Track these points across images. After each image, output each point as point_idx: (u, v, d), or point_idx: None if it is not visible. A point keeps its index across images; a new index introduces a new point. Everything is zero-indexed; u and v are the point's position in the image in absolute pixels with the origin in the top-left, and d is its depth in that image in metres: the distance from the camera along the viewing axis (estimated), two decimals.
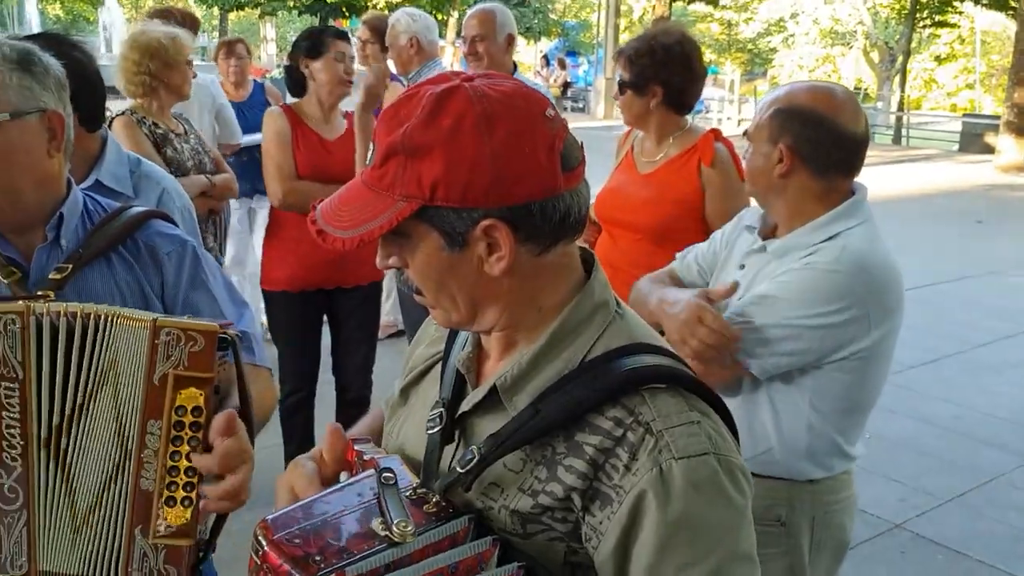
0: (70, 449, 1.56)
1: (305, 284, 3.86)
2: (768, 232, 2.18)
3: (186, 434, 1.51)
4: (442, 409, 1.22)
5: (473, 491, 1.14)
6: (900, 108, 25.51)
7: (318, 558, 1.00)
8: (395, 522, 1.03)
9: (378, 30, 5.35)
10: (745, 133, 2.16)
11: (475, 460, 1.12)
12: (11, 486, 1.56)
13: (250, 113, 5.57)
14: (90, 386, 1.55)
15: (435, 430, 1.22)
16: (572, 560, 1.11)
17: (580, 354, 1.15)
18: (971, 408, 5.37)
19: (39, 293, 1.66)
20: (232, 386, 1.62)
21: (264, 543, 1.03)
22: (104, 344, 1.55)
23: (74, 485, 1.57)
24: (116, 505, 1.56)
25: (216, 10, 35.86)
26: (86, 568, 1.59)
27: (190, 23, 4.98)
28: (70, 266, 1.74)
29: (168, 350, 1.50)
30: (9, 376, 1.54)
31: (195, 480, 1.51)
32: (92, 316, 1.55)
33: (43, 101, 1.70)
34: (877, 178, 14.93)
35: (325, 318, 4.07)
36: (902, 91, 26.06)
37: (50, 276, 1.72)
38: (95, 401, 1.56)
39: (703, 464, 1.07)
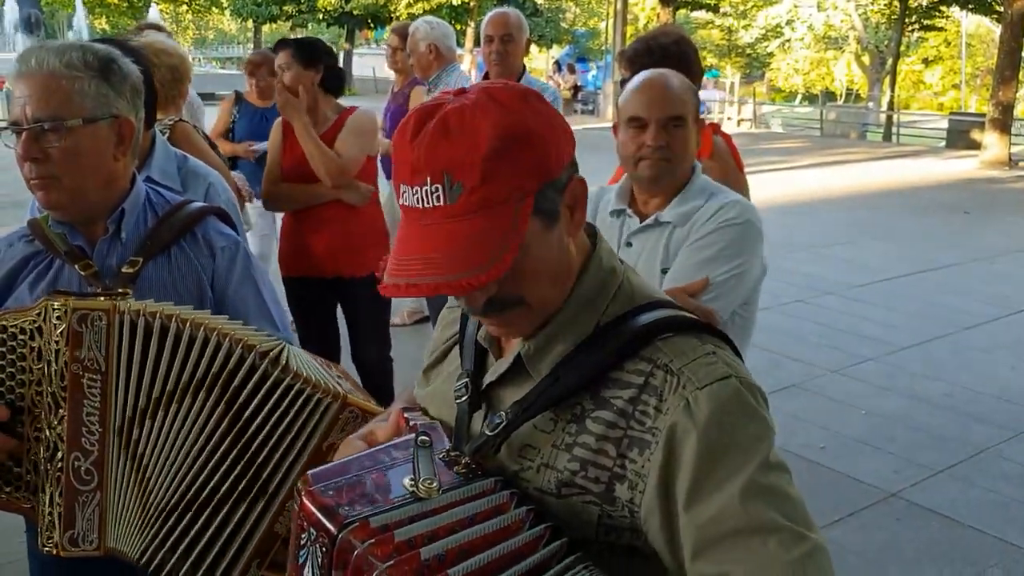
0: (141, 441, 1.59)
1: (302, 271, 3.90)
2: (639, 210, 2.31)
3: None
4: (467, 379, 1.21)
5: (506, 455, 1.13)
6: (890, 107, 25.31)
7: (346, 507, 1.01)
8: (422, 479, 1.04)
9: (406, 38, 5.36)
10: (676, 119, 2.21)
11: (503, 424, 1.11)
12: (87, 468, 1.59)
13: (272, 118, 5.54)
14: (168, 388, 1.57)
15: (463, 399, 1.21)
16: (606, 523, 1.08)
17: (595, 320, 1.13)
18: (961, 386, 5.32)
19: (120, 290, 1.68)
20: None
21: (302, 493, 1.04)
22: (198, 355, 1.56)
23: (146, 475, 1.59)
24: (238, 531, 1.58)
25: (250, 23, 35.92)
26: (148, 555, 1.61)
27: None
28: (140, 259, 1.75)
29: (345, 424, 1.56)
30: (93, 368, 1.57)
31: None
32: (187, 326, 1.57)
33: (116, 108, 1.71)
34: (868, 173, 14.86)
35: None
36: (892, 91, 25.85)
37: (123, 270, 1.74)
38: (178, 404, 1.57)
39: (725, 386, 1.06)
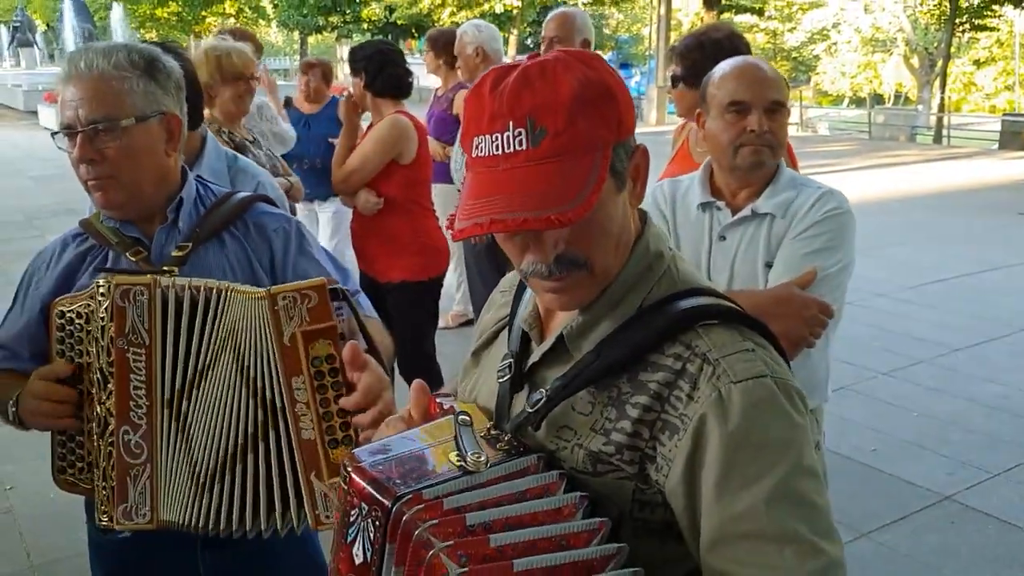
0: (190, 411, 1.62)
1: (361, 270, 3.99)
2: (729, 202, 2.24)
3: (328, 381, 1.58)
4: (511, 360, 1.22)
5: (546, 433, 1.13)
6: (941, 109, 24.84)
7: (398, 481, 1.01)
8: (470, 453, 1.05)
9: (438, 43, 5.41)
10: (779, 103, 2.17)
11: (543, 400, 1.12)
12: (137, 442, 1.62)
13: (315, 124, 5.70)
14: (209, 354, 1.61)
15: (505, 379, 1.21)
16: (639, 498, 1.08)
17: (638, 302, 1.13)
18: (1017, 388, 5.19)
19: (164, 268, 1.71)
20: (356, 335, 1.68)
21: (350, 469, 1.05)
22: (221, 315, 1.61)
23: (192, 444, 1.63)
24: (270, 459, 1.61)
25: (296, 34, 36.40)
26: (212, 521, 1.64)
27: (252, 42, 4.92)
28: (189, 244, 1.79)
29: (289, 312, 1.56)
30: (137, 343, 1.61)
31: (349, 419, 1.57)
32: (213, 290, 1.61)
33: (164, 104, 1.75)
34: (919, 175, 14.58)
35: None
36: (943, 93, 25.36)
37: (172, 254, 1.77)
38: (214, 368, 1.61)
39: (760, 385, 1.04)
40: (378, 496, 1.00)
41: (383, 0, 32.02)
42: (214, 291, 1.61)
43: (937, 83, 27.61)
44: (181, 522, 1.65)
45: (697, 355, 1.06)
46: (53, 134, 1.76)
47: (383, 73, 3.87)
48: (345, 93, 3.94)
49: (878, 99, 40.92)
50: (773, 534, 0.98)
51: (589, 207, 0.99)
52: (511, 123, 1.01)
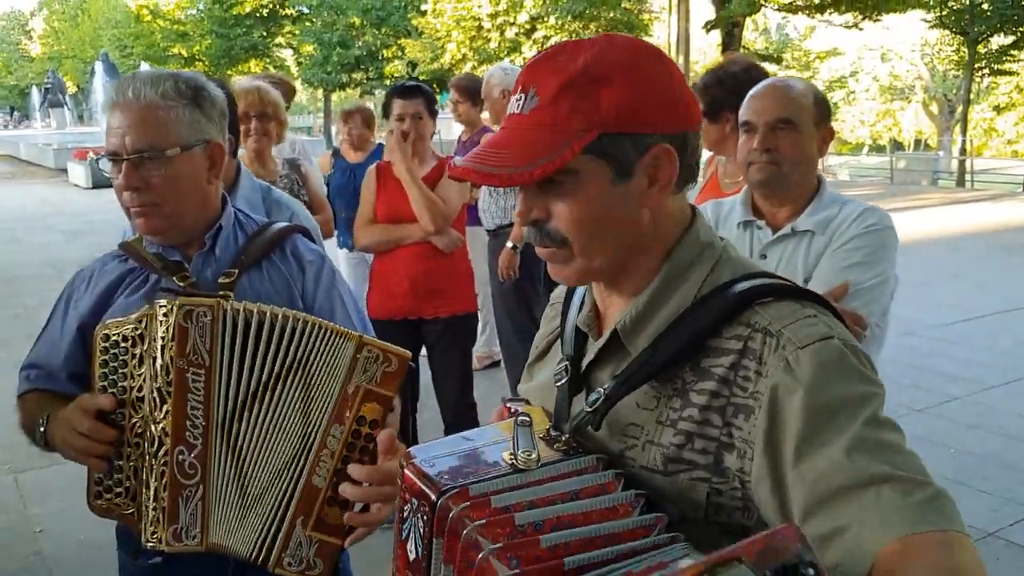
0: (242, 434, 1.60)
1: (387, 312, 3.92)
2: (769, 221, 2.25)
3: (359, 443, 1.57)
4: (567, 363, 1.20)
5: (610, 434, 1.11)
6: (963, 153, 24.78)
7: (447, 477, 1.01)
8: (521, 451, 1.03)
9: (468, 90, 5.47)
10: (784, 121, 2.16)
11: (601, 399, 1.09)
12: (191, 463, 1.60)
13: (360, 173, 5.66)
14: (264, 379, 1.59)
15: (562, 381, 1.19)
16: (715, 501, 1.04)
17: (692, 293, 1.11)
18: None
19: (220, 293, 1.71)
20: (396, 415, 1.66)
21: (404, 466, 1.05)
22: (286, 341, 1.59)
23: (244, 468, 1.61)
24: (285, 493, 1.60)
25: (320, 92, 37.06)
26: (251, 548, 1.62)
27: (284, 87, 4.94)
28: (236, 271, 1.79)
29: (366, 365, 1.57)
30: (197, 363, 1.59)
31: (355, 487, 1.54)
32: (279, 316, 1.60)
33: (208, 133, 1.76)
34: (944, 217, 14.50)
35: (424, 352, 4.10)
36: (964, 136, 25.32)
37: (221, 280, 1.77)
38: (273, 392, 1.59)
39: (827, 346, 1.01)
40: (425, 490, 1.00)
41: (405, 56, 32.58)
42: (279, 317, 1.60)
43: (958, 128, 27.58)
44: (229, 545, 1.63)
45: (758, 330, 1.04)
46: (97, 159, 1.77)
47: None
48: (397, 130, 3.88)
49: (897, 146, 40.96)
50: (865, 480, 0.92)
51: (528, 178, 1.02)
52: (521, 88, 1.09)
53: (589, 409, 1.10)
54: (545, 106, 1.05)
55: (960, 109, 27.10)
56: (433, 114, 3.97)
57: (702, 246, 1.14)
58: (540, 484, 1.01)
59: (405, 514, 1.04)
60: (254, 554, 1.62)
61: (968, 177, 22.99)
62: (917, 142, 41.51)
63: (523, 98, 1.07)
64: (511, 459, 1.03)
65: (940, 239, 12.09)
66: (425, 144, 3.94)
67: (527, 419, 1.10)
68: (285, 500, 1.60)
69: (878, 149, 40.71)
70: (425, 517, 1.00)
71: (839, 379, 0.99)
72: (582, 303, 1.25)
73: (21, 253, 11.70)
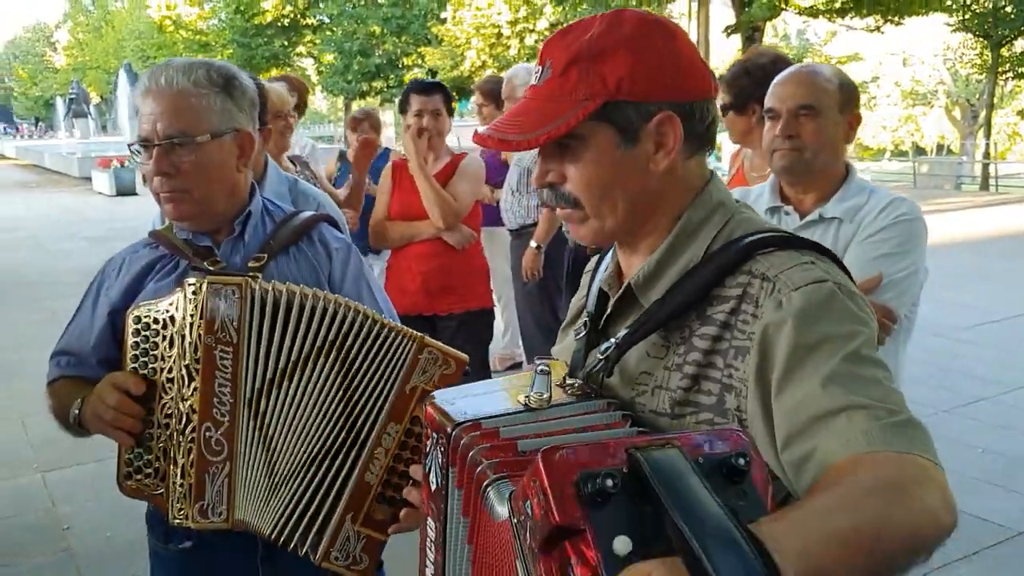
0: (269, 411, 1.61)
1: (401, 308, 3.89)
2: (796, 208, 2.24)
3: (412, 443, 1.58)
4: (587, 318, 1.27)
5: (623, 383, 1.17)
6: (986, 156, 24.56)
7: (463, 414, 1.07)
8: (534, 392, 1.10)
9: (492, 93, 5.49)
10: (806, 108, 2.15)
11: (612, 347, 1.15)
12: (218, 439, 1.61)
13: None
14: (294, 358, 1.60)
15: (581, 335, 1.26)
16: None
17: (703, 248, 1.16)
18: None
19: (249, 274, 1.72)
20: None
21: (427, 406, 1.13)
22: (324, 325, 1.60)
23: (273, 446, 1.62)
24: (329, 483, 1.61)
25: (340, 100, 37.26)
26: (277, 528, 1.63)
27: (297, 86, 4.94)
28: (265, 255, 1.81)
29: (425, 366, 1.59)
30: (225, 340, 1.61)
31: (405, 484, 1.53)
32: (309, 296, 1.61)
33: (238, 121, 1.78)
34: (968, 220, 14.37)
35: None
36: (987, 140, 25.11)
37: (250, 264, 1.79)
38: (302, 373, 1.60)
39: (819, 288, 1.05)
40: (443, 424, 1.07)
41: (425, 64, 32.74)
42: (309, 296, 1.61)
43: (981, 133, 27.36)
44: (256, 525, 1.63)
45: (756, 276, 1.09)
46: (129, 145, 1.79)
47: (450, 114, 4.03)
48: (413, 125, 3.90)
49: (919, 151, 40.68)
50: (838, 408, 0.95)
51: (535, 143, 1.11)
52: (539, 61, 1.17)
53: (602, 356, 1.16)
54: (556, 77, 1.13)
55: (983, 113, 26.89)
56: (451, 112, 4.00)
57: (714, 205, 1.19)
58: (548, 421, 1.08)
59: (428, 448, 1.11)
60: (275, 534, 1.62)
61: (992, 181, 22.79)
62: (939, 147, 41.22)
63: (540, 70, 1.16)
64: (525, 400, 1.10)
65: (965, 242, 11.98)
66: (442, 140, 3.97)
67: (547, 368, 1.16)
68: (330, 492, 1.60)
69: (900, 154, 40.44)
70: (443, 448, 1.06)
71: (826, 318, 1.03)
72: (606, 270, 1.31)
73: (46, 260, 11.82)
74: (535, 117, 1.13)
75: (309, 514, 1.62)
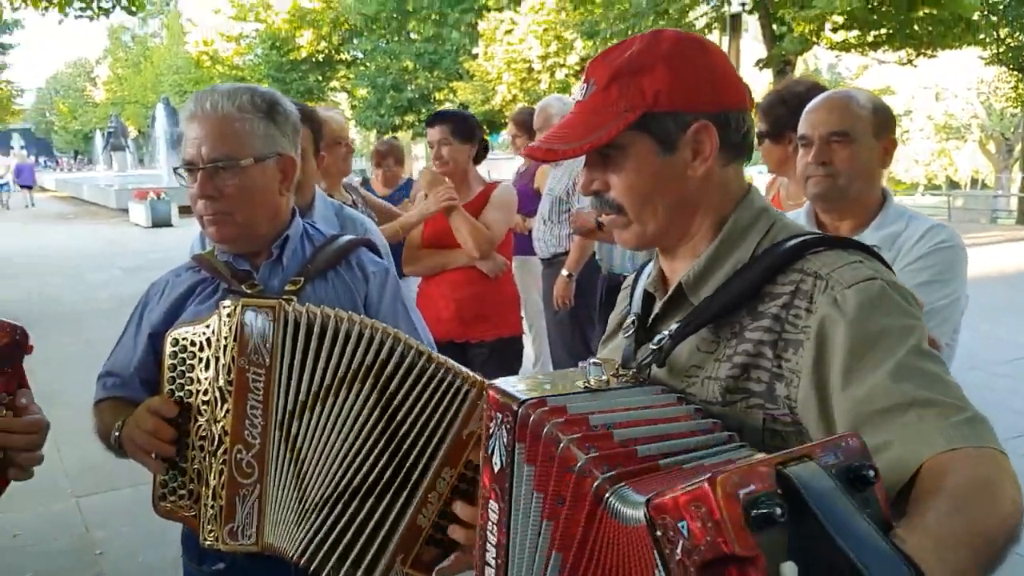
0: (300, 434, 1.60)
1: (435, 335, 3.90)
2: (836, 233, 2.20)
3: (464, 487, 1.56)
4: (634, 319, 1.33)
5: (671, 375, 1.22)
6: (1023, 190, 24.26)
7: (528, 394, 1.10)
8: (593, 377, 1.15)
9: (525, 124, 5.54)
10: (839, 134, 2.14)
11: (666, 339, 1.21)
12: (249, 461, 1.61)
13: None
14: (328, 382, 1.59)
15: (630, 332, 1.32)
16: (771, 427, 1.12)
17: (750, 250, 1.22)
18: None
19: (284, 297, 1.73)
20: None
21: (488, 391, 1.16)
22: (360, 349, 1.59)
23: (303, 469, 1.60)
24: (382, 525, 1.58)
25: (373, 134, 37.70)
26: (303, 552, 1.60)
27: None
28: (302, 279, 1.82)
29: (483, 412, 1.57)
30: (258, 362, 1.61)
31: (454, 527, 1.52)
32: (345, 320, 1.61)
33: (281, 146, 1.80)
34: (1004, 254, 14.18)
35: None
36: (1023, 173, 24.81)
37: (286, 288, 1.80)
38: (336, 396, 1.59)
39: (871, 285, 1.10)
40: (508, 403, 1.09)
41: (457, 99, 33.06)
42: (344, 320, 1.61)
43: (1016, 166, 27.08)
44: (285, 549, 1.62)
45: (809, 274, 1.14)
46: (175, 168, 1.83)
47: (482, 144, 4.03)
48: (435, 166, 3.92)
49: (953, 185, 40.30)
50: (908, 402, 1.00)
51: (578, 151, 1.19)
52: (584, 79, 1.25)
53: (655, 347, 1.22)
54: (599, 92, 1.21)
55: (1019, 147, 26.62)
56: (465, 138, 3.90)
57: (758, 210, 1.26)
58: (612, 400, 1.12)
59: (490, 431, 1.12)
60: (300, 557, 1.59)
61: None
62: (973, 181, 40.82)
63: (584, 88, 1.24)
64: (585, 384, 1.14)
65: (1001, 276, 11.82)
66: (458, 168, 3.89)
67: (599, 361, 1.19)
68: (379, 531, 1.57)
69: (933, 188, 40.10)
70: (508, 426, 1.08)
71: (882, 313, 1.08)
72: (649, 275, 1.38)
73: (84, 290, 12.01)
74: (579, 129, 1.20)
75: (347, 546, 1.59)
